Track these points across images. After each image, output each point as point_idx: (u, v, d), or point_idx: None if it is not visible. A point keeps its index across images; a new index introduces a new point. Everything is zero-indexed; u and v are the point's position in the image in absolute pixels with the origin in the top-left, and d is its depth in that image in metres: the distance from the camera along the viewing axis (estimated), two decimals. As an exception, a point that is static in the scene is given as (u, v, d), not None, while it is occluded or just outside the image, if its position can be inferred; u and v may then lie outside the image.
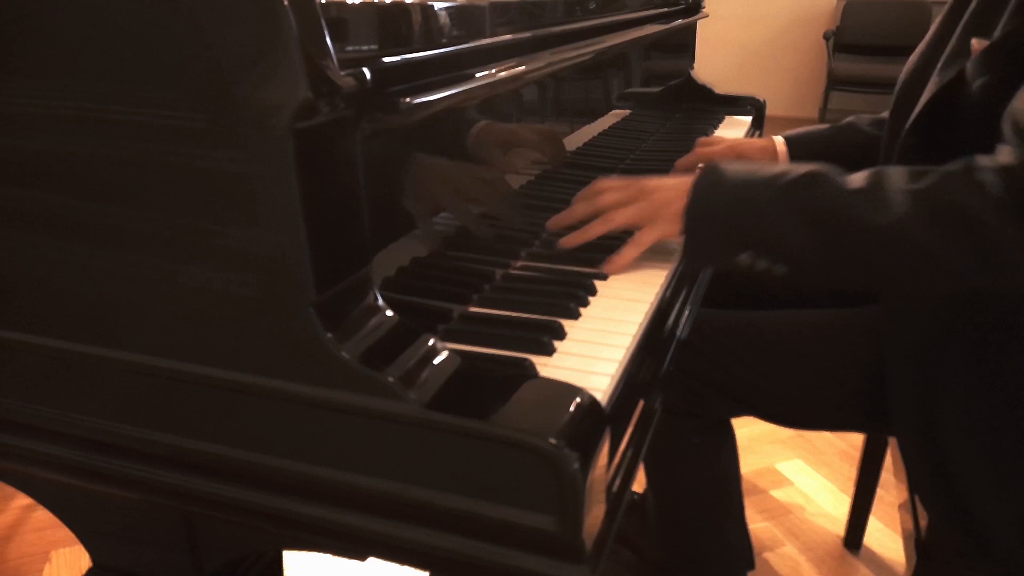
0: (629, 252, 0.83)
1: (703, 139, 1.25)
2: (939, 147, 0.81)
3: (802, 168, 0.75)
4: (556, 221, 0.88)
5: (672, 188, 0.81)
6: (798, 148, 1.18)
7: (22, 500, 1.53)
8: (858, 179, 0.73)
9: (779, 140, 1.19)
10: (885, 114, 1.15)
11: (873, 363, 0.90)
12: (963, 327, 0.81)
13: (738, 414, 1.02)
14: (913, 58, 0.95)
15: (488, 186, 0.84)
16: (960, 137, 0.81)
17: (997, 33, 0.76)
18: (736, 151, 1.20)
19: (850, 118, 1.19)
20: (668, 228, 0.80)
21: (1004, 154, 0.69)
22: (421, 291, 0.69)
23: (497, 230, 0.85)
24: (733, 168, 0.79)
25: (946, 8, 0.92)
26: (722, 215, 0.77)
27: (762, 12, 4.78)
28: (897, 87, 0.96)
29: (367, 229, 0.55)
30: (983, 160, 0.69)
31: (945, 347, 0.82)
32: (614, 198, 0.84)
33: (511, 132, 0.90)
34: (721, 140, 1.25)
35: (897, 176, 0.72)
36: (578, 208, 0.86)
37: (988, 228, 0.67)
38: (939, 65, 0.85)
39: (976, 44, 0.79)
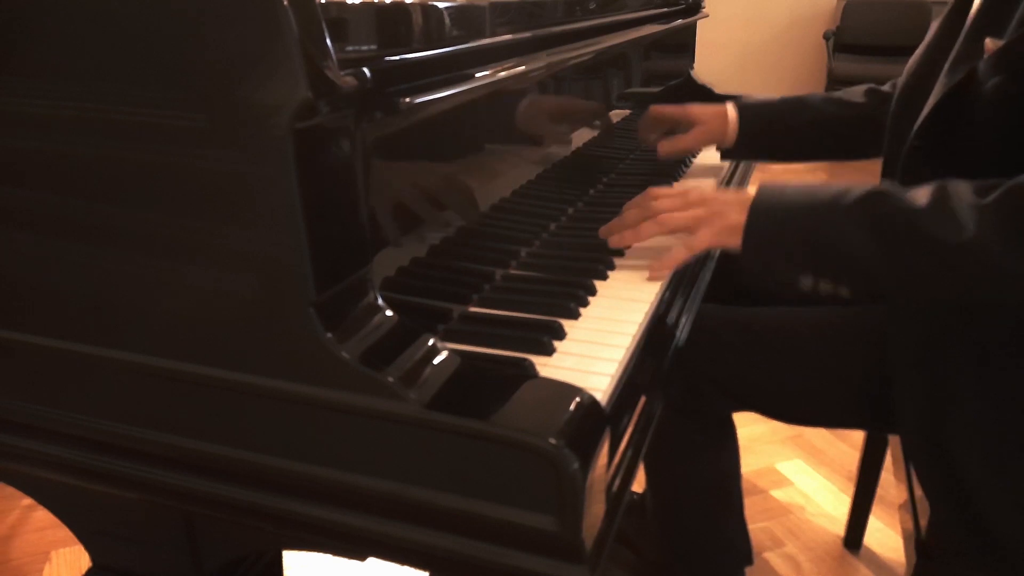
0: (680, 254, 0.82)
1: (654, 105, 1.24)
2: (948, 149, 0.81)
3: (865, 187, 0.74)
4: (608, 228, 0.88)
5: (730, 201, 0.80)
6: (748, 116, 1.17)
7: (22, 500, 1.53)
8: (923, 196, 0.72)
9: (730, 106, 1.18)
10: (839, 93, 1.15)
11: (877, 362, 0.90)
12: (969, 326, 0.81)
13: (739, 410, 1.02)
14: (913, 61, 0.94)
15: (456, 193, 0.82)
16: (970, 139, 0.80)
17: (1011, 31, 0.76)
18: (687, 113, 1.18)
19: (804, 94, 1.19)
20: (725, 239, 0.80)
21: None
22: (421, 291, 0.69)
23: (498, 230, 0.85)
24: (792, 187, 0.78)
25: (947, 9, 0.92)
26: (784, 234, 0.76)
27: (762, 12, 4.78)
28: (898, 91, 0.95)
29: (367, 229, 0.55)
30: None
31: (951, 346, 0.82)
32: (669, 203, 0.83)
33: (561, 103, 0.92)
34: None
35: (964, 191, 0.71)
36: (630, 214, 0.86)
37: None
38: (946, 66, 0.84)
39: (990, 44, 0.78)
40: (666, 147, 1.18)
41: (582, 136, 1.12)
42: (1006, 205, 0.68)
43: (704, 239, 0.81)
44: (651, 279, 0.82)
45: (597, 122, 1.16)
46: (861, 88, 1.16)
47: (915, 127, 0.84)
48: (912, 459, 0.87)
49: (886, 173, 0.95)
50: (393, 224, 0.65)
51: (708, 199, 0.81)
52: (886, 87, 1.13)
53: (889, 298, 0.88)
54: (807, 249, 0.74)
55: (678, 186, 1.19)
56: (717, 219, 0.80)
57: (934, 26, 0.94)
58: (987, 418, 0.80)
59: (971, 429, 0.81)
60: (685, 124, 1.19)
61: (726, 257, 1.10)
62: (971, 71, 0.79)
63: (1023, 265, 0.67)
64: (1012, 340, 0.80)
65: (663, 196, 0.84)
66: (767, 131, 1.18)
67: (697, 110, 1.18)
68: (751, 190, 0.79)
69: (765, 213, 0.76)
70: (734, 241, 0.78)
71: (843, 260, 0.73)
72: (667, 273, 0.83)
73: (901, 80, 0.95)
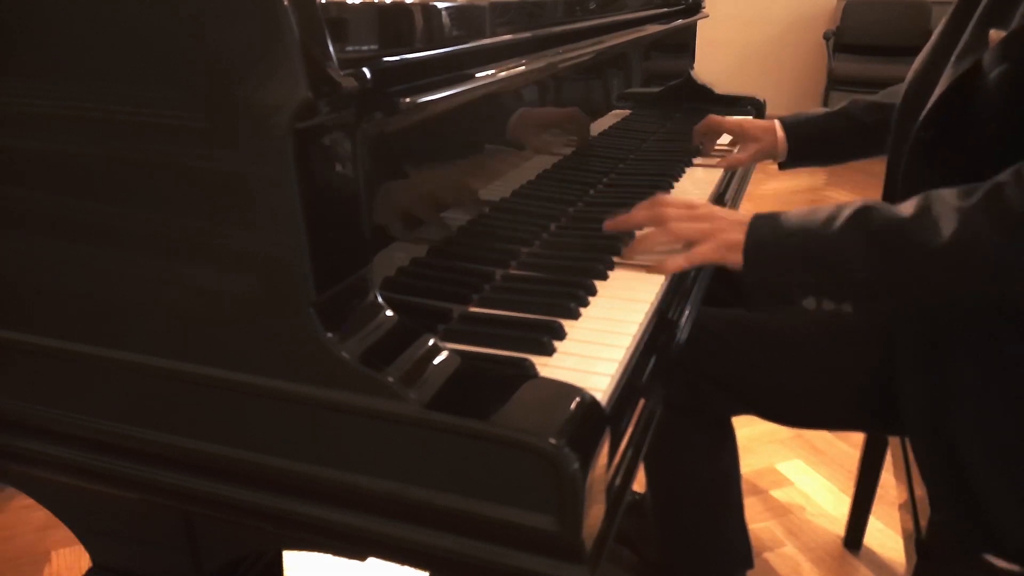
0: (678, 261, 0.84)
1: (714, 116, 1.35)
2: (954, 139, 0.82)
3: (854, 205, 0.77)
4: (615, 223, 0.90)
5: (732, 220, 0.83)
6: (794, 131, 1.26)
7: (22, 500, 1.53)
8: (909, 206, 0.74)
9: (777, 125, 1.27)
10: (880, 97, 1.20)
11: (878, 362, 0.90)
12: (972, 324, 0.81)
13: (739, 412, 1.02)
14: (922, 56, 0.96)
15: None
16: (974, 129, 0.81)
17: (1016, 21, 0.77)
18: (744, 129, 1.28)
19: (845, 103, 1.25)
20: (725, 255, 0.81)
21: None
22: (421, 291, 0.69)
23: (498, 230, 0.85)
24: (786, 213, 0.80)
25: (955, 4, 0.93)
26: (783, 253, 0.78)
27: (762, 12, 4.78)
28: (906, 85, 0.96)
29: (367, 229, 0.55)
30: None
31: (955, 344, 0.82)
32: (677, 213, 0.86)
33: (544, 115, 0.96)
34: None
35: (947, 195, 0.73)
36: (639, 215, 0.88)
37: None
38: (953, 58, 0.85)
39: (994, 34, 0.79)
40: (724, 163, 1.30)
41: (582, 136, 1.12)
42: (990, 203, 0.70)
43: (704, 252, 0.83)
44: (658, 270, 0.84)
45: (591, 127, 1.17)
46: (900, 88, 1.17)
47: (920, 118, 0.85)
48: (916, 457, 0.87)
49: (890, 169, 0.95)
50: (393, 224, 0.65)
51: (714, 215, 0.84)
52: None
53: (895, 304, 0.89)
54: (807, 269, 0.76)
55: (677, 186, 1.19)
56: (719, 234, 0.82)
57: (940, 26, 0.95)
58: (991, 415, 0.81)
59: (975, 426, 0.81)
60: (740, 138, 1.30)
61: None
62: (977, 62, 0.80)
63: (1011, 258, 0.69)
64: (1016, 337, 0.80)
65: (672, 205, 0.86)
66: (815, 145, 1.27)
67: (752, 127, 1.28)
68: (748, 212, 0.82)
69: (763, 232, 0.79)
70: (734, 258, 0.80)
71: (842, 276, 0.75)
72: (667, 273, 0.84)
73: (909, 76, 0.96)
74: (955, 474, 0.82)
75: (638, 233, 0.89)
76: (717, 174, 1.27)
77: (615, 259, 0.86)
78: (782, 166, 1.32)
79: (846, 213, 0.76)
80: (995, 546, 0.81)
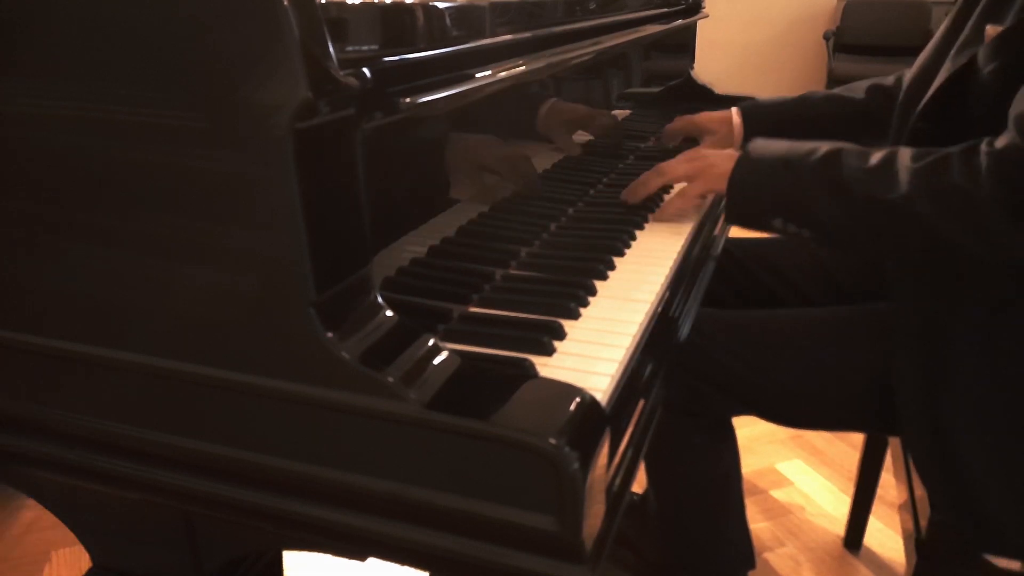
0: (676, 202, 0.98)
1: (668, 125, 1.35)
2: (949, 132, 0.83)
3: (828, 146, 0.83)
4: (630, 192, 1.01)
5: (722, 155, 0.93)
6: (753, 120, 1.26)
7: (22, 500, 1.53)
8: (876, 157, 0.80)
9: (735, 112, 1.26)
10: (840, 91, 1.22)
11: (876, 361, 0.90)
12: (971, 321, 0.82)
13: (739, 413, 1.02)
14: (926, 51, 0.97)
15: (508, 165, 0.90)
16: (970, 122, 0.83)
17: (1010, 19, 0.77)
18: (696, 125, 1.29)
19: (805, 93, 1.27)
20: (714, 184, 0.93)
21: (1001, 139, 0.73)
22: (421, 291, 0.69)
23: (498, 230, 0.85)
24: (775, 145, 0.89)
25: (959, 1, 0.93)
26: (761, 182, 0.87)
27: (762, 12, 4.77)
28: (906, 83, 0.97)
29: (367, 229, 0.55)
30: (983, 144, 0.73)
31: (953, 342, 0.82)
32: (673, 161, 0.98)
33: (575, 111, 1.04)
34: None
35: (905, 155, 0.78)
36: (643, 175, 1.01)
37: (978, 208, 0.72)
38: (952, 53, 0.86)
39: (990, 30, 0.81)
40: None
41: (583, 136, 1.12)
42: (933, 171, 0.75)
43: (697, 187, 0.95)
44: (655, 219, 0.98)
45: (604, 127, 1.18)
46: (864, 83, 1.19)
47: (918, 109, 0.86)
48: (915, 456, 0.87)
49: None
50: (393, 224, 0.65)
51: (704, 154, 0.96)
52: (890, 79, 1.15)
53: (897, 292, 0.89)
54: (777, 201, 0.86)
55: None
56: (710, 169, 0.93)
57: (945, 21, 0.96)
58: (990, 414, 0.81)
59: (973, 426, 0.81)
60: (697, 134, 1.29)
61: (725, 260, 1.10)
62: (972, 57, 0.80)
63: (944, 225, 0.75)
64: (1015, 337, 0.80)
65: (671, 160, 0.99)
66: (772, 133, 1.22)
67: (705, 120, 1.27)
68: (744, 145, 0.92)
69: (747, 168, 0.88)
70: (721, 186, 0.90)
71: (805, 209, 0.84)
72: (668, 219, 0.98)
73: (912, 70, 0.97)
74: (954, 474, 0.82)
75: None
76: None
77: (615, 259, 0.86)
78: None
79: (820, 152, 0.83)
80: (995, 546, 0.82)
